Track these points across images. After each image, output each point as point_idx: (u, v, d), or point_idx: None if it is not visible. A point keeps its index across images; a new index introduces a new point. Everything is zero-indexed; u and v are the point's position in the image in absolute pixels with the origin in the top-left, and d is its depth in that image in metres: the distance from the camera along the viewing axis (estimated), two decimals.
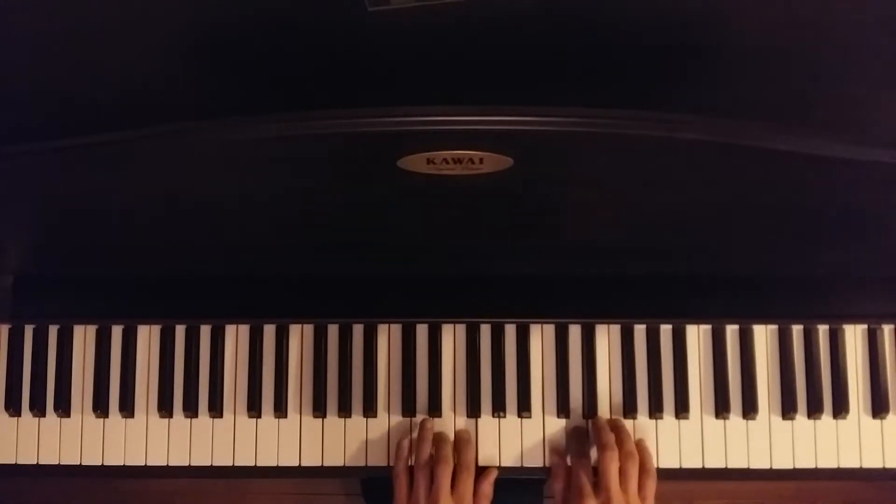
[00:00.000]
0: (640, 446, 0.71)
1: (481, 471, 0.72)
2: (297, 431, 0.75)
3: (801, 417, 0.73)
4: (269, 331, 0.76)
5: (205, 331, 0.76)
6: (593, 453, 0.71)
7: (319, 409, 0.74)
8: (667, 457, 0.73)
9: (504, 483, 0.72)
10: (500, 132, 0.49)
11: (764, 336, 0.74)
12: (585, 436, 0.72)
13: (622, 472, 0.67)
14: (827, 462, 0.73)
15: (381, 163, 0.52)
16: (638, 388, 0.74)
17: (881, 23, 0.55)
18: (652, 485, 0.68)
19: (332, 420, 0.75)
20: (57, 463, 0.76)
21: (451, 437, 0.73)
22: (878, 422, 0.73)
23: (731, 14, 0.54)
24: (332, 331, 0.76)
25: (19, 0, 0.55)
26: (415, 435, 0.74)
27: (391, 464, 0.73)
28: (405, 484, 0.70)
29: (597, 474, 0.68)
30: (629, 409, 0.73)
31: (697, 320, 0.74)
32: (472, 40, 0.55)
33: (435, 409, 0.74)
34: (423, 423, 0.73)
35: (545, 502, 0.83)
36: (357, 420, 0.75)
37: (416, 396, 0.74)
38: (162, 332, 0.76)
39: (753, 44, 0.55)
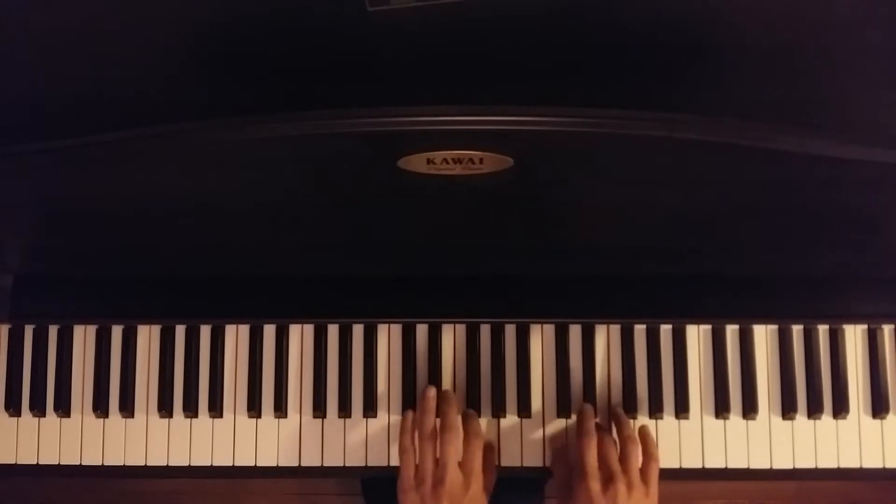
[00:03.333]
0: (643, 432, 0.70)
1: None
2: (297, 431, 0.75)
3: (801, 417, 0.73)
4: (269, 331, 0.76)
5: (205, 331, 0.76)
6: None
7: (319, 409, 0.74)
8: (667, 457, 0.73)
9: (504, 483, 0.72)
10: (500, 132, 0.49)
11: (764, 336, 0.74)
12: (591, 416, 0.70)
13: (623, 454, 0.66)
14: (827, 462, 0.73)
15: (381, 163, 0.52)
16: (638, 388, 0.74)
17: (882, 23, 0.55)
18: (655, 468, 0.67)
19: (332, 420, 0.75)
20: (57, 463, 0.76)
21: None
22: (878, 422, 0.73)
23: (732, 14, 0.55)
24: (332, 331, 0.76)
25: (20, 0, 0.55)
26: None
27: (391, 464, 0.73)
28: (411, 459, 0.66)
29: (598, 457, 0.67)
30: (629, 408, 0.73)
31: (697, 320, 0.74)
32: (472, 40, 0.55)
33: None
34: (424, 392, 0.71)
35: (546, 502, 0.83)
36: (357, 420, 0.74)
37: (416, 396, 0.74)
38: (162, 332, 0.76)
39: (754, 43, 0.55)
